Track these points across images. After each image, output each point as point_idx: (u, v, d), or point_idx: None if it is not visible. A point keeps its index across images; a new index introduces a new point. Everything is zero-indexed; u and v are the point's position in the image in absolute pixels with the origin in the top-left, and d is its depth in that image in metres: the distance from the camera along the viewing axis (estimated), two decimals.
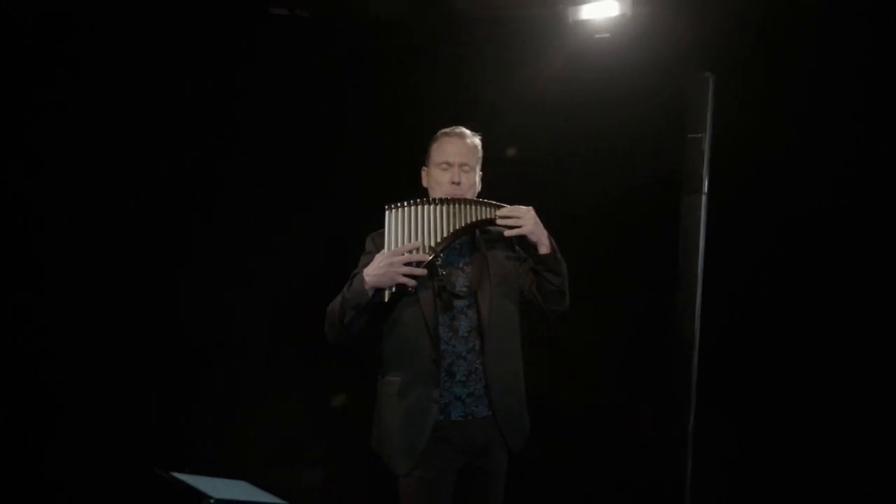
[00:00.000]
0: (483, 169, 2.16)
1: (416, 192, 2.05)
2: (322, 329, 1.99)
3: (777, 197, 2.62)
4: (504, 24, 3.12)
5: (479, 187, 2.13)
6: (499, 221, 1.98)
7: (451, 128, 2.12)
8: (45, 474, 2.65)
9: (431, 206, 1.93)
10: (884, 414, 2.53)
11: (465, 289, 2.02)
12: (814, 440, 2.61)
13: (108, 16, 2.90)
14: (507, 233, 1.98)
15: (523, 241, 2.01)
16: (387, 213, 1.92)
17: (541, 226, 2.00)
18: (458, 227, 1.95)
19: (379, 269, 1.86)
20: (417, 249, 1.90)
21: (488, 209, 1.99)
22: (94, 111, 2.87)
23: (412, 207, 1.92)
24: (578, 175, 3.02)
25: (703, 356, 2.57)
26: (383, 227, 1.94)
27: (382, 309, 1.94)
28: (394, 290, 1.88)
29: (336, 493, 3.08)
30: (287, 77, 3.19)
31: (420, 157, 2.15)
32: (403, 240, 1.91)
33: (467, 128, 2.13)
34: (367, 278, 1.87)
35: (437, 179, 2.06)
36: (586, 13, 2.94)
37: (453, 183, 2.03)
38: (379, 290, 1.88)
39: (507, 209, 1.99)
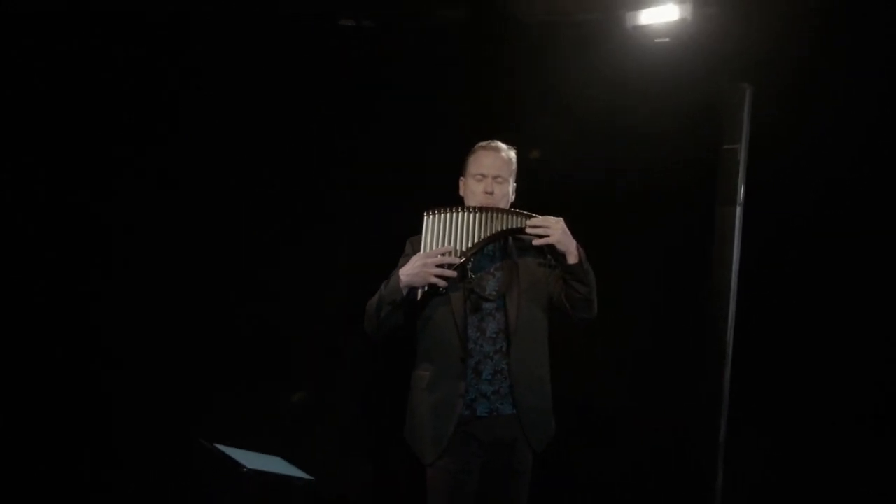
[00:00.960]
0: (519, 179, 2.24)
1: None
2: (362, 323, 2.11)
3: (811, 206, 2.62)
4: (563, 29, 3.16)
5: (512, 197, 2.21)
6: (528, 230, 2.05)
7: (487, 141, 2.22)
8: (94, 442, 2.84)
9: (465, 214, 2.05)
10: None
11: (494, 292, 2.12)
12: (845, 449, 2.59)
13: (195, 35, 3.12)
14: (536, 241, 2.05)
15: (553, 251, 2.07)
16: (425, 217, 2.05)
17: (569, 236, 2.06)
18: (489, 234, 2.05)
19: (413, 270, 1.99)
20: (449, 253, 2.01)
21: (519, 218, 2.07)
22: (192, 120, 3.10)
23: (448, 214, 2.04)
24: (627, 181, 3.06)
25: (735, 366, 2.58)
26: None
27: (415, 306, 2.06)
28: (426, 289, 2.01)
29: (371, 482, 3.17)
30: (351, 84, 3.31)
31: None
32: (438, 243, 2.03)
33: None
34: (402, 277, 2.00)
35: (472, 189, 2.16)
36: (645, 18, 2.93)
37: (486, 193, 2.13)
38: (413, 289, 2.01)
39: (537, 219, 2.06)
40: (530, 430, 2.08)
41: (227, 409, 2.85)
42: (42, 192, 2.98)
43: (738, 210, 2.55)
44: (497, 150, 2.19)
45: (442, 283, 1.99)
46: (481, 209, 2.07)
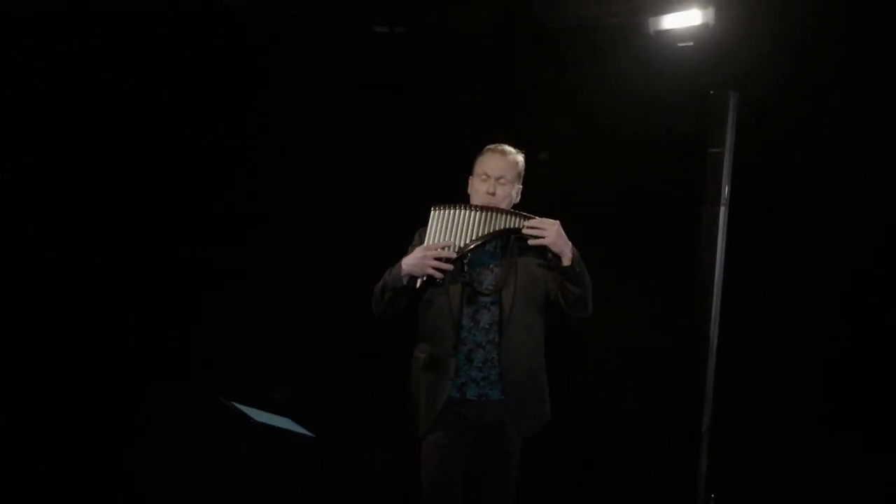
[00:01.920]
0: (529, 180, 2.37)
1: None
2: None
3: (794, 207, 2.75)
4: (587, 34, 3.23)
5: (516, 199, 2.34)
6: (525, 231, 2.17)
7: (495, 144, 2.34)
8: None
9: (468, 212, 2.18)
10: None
11: (490, 287, 2.27)
12: (823, 440, 2.72)
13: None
14: (532, 242, 2.17)
15: (549, 252, 2.19)
16: (432, 211, 2.21)
17: (564, 238, 2.17)
18: (487, 232, 2.18)
19: (413, 260, 2.15)
20: (448, 247, 2.16)
21: (518, 219, 2.19)
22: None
23: (452, 210, 2.19)
24: (627, 180, 3.16)
25: (720, 359, 2.72)
26: None
27: (416, 293, 2.23)
28: (424, 279, 2.18)
29: (370, 457, 3.38)
30: (384, 89, 3.46)
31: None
32: (440, 237, 2.18)
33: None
34: (403, 266, 2.17)
35: (476, 188, 2.29)
36: (668, 23, 2.96)
37: (489, 193, 2.25)
38: (413, 278, 2.18)
39: (534, 220, 2.18)
40: (518, 415, 2.23)
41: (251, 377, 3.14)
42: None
43: (723, 210, 2.69)
44: (503, 152, 2.30)
45: (438, 274, 2.14)
46: (483, 208, 2.19)
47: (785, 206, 2.73)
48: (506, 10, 3.31)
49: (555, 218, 2.20)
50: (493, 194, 2.25)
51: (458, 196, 2.33)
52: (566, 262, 2.16)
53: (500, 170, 2.27)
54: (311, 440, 2.12)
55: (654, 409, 3.02)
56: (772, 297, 2.77)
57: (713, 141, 2.68)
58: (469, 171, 2.37)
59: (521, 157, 2.34)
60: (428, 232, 2.20)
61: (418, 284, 2.20)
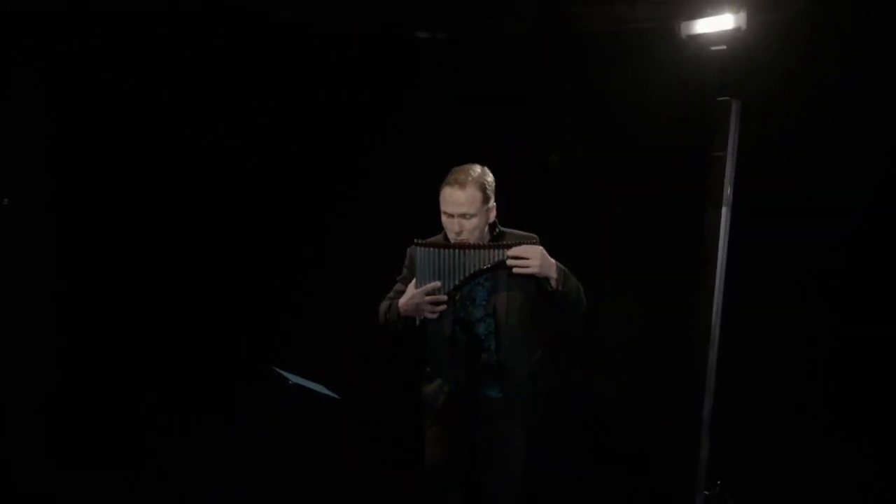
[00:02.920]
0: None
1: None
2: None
3: (795, 210, 2.90)
4: (623, 39, 3.28)
5: (492, 217, 2.26)
6: (509, 262, 2.11)
7: (457, 172, 2.20)
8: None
9: (450, 252, 2.14)
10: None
11: (483, 303, 2.27)
12: (823, 429, 2.87)
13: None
14: (517, 272, 2.11)
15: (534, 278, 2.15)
16: (416, 248, 2.17)
17: (548, 262, 2.13)
18: (473, 270, 2.14)
19: (410, 304, 2.17)
20: (439, 289, 2.13)
21: (499, 252, 2.13)
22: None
23: (434, 249, 2.15)
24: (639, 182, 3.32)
25: (721, 350, 2.89)
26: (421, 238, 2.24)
27: (415, 326, 2.28)
28: (423, 318, 2.21)
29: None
30: (426, 94, 3.62)
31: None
32: (430, 276, 2.14)
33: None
34: (401, 309, 2.20)
35: (445, 224, 2.22)
36: (701, 27, 2.95)
37: (456, 233, 2.19)
38: (411, 318, 2.21)
39: (517, 250, 2.12)
40: (518, 412, 2.28)
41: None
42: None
43: (725, 210, 2.87)
44: (462, 185, 2.16)
45: (433, 316, 2.17)
46: (462, 246, 2.14)
47: (786, 205, 2.89)
48: (538, 16, 3.37)
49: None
50: (460, 232, 2.18)
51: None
52: (553, 284, 2.15)
53: (460, 206, 2.16)
54: (337, 402, 2.38)
55: (658, 397, 3.19)
56: (771, 292, 2.93)
57: (716, 145, 2.88)
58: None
59: (487, 179, 2.23)
60: (417, 269, 2.17)
61: (417, 323, 2.23)
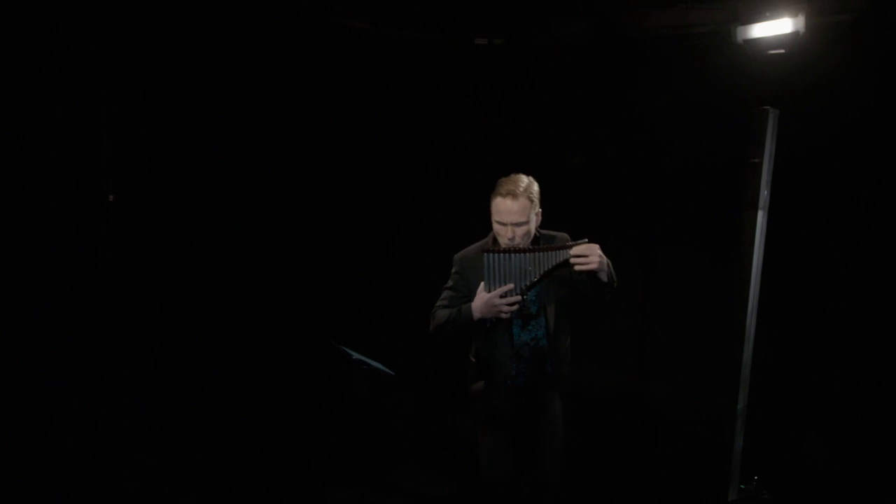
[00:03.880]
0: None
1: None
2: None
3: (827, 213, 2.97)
4: (676, 43, 3.34)
5: (538, 221, 2.44)
6: (572, 261, 2.28)
7: (507, 182, 2.36)
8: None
9: (519, 256, 2.30)
10: None
11: (534, 298, 2.45)
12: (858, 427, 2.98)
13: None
14: (579, 269, 2.27)
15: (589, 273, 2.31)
16: (485, 256, 2.31)
17: (604, 258, 2.30)
18: (542, 271, 2.31)
19: (485, 308, 2.31)
20: (512, 291, 2.30)
21: (563, 252, 2.30)
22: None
23: (505, 255, 2.30)
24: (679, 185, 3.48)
25: (756, 347, 3.01)
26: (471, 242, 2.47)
27: (485, 328, 2.44)
28: (494, 319, 2.37)
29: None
30: (486, 98, 3.83)
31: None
32: (500, 281, 2.30)
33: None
34: (475, 313, 2.34)
35: (497, 231, 2.39)
36: (758, 31, 2.96)
37: (510, 239, 2.35)
38: (483, 320, 2.36)
39: (579, 248, 2.28)
40: (560, 385, 2.50)
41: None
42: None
43: (761, 214, 3.00)
44: (514, 197, 2.32)
45: (506, 315, 2.33)
46: (535, 250, 2.31)
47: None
48: (598, 22, 3.44)
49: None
50: (513, 238, 2.35)
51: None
52: (604, 277, 2.32)
53: (512, 216, 2.33)
54: (392, 377, 2.68)
55: (696, 392, 3.33)
56: (806, 291, 3.02)
57: (753, 151, 3.00)
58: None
59: (533, 189, 2.39)
60: (486, 274, 2.31)
61: (489, 325, 2.40)
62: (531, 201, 2.38)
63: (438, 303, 2.50)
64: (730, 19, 3.11)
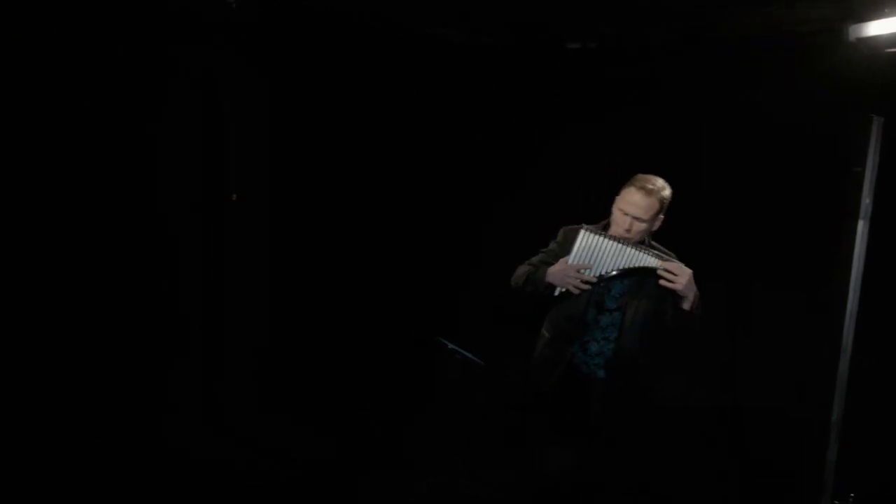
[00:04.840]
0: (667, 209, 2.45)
1: None
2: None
3: None
4: (783, 42, 3.24)
5: (655, 227, 2.46)
6: (660, 272, 2.34)
7: (644, 179, 2.39)
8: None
9: (612, 244, 2.35)
10: None
11: (617, 296, 2.51)
12: None
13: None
14: (662, 283, 2.34)
15: (674, 294, 2.36)
16: (581, 232, 2.39)
17: (693, 286, 2.34)
18: (625, 269, 2.37)
19: (559, 274, 2.41)
20: (590, 270, 2.37)
21: (653, 261, 2.35)
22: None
23: (600, 237, 2.37)
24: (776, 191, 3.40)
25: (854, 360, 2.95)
26: (575, 224, 2.51)
27: (552, 294, 2.52)
28: (563, 290, 2.46)
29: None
30: (581, 101, 3.90)
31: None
32: (585, 258, 2.38)
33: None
34: (548, 275, 2.43)
35: (615, 219, 2.42)
36: (874, 30, 2.85)
37: (626, 230, 2.39)
38: (553, 286, 2.45)
39: (670, 265, 2.34)
40: (618, 396, 2.54)
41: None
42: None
43: (862, 224, 2.95)
44: (648, 192, 2.36)
45: (576, 291, 2.40)
46: (627, 242, 2.35)
47: None
48: (693, 22, 3.32)
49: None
50: (629, 230, 2.39)
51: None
52: (687, 306, 2.36)
53: (638, 210, 2.37)
54: (479, 364, 2.85)
55: (791, 403, 3.29)
56: None
57: (856, 160, 2.96)
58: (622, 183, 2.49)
59: (665, 193, 2.41)
60: (576, 249, 2.38)
61: (556, 293, 2.47)
62: (660, 205, 2.42)
63: (527, 262, 2.59)
64: (842, 16, 2.93)
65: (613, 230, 2.43)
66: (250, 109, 3.76)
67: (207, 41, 3.44)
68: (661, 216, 2.46)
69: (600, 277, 2.39)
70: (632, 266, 2.37)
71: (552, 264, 2.50)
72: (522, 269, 2.56)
